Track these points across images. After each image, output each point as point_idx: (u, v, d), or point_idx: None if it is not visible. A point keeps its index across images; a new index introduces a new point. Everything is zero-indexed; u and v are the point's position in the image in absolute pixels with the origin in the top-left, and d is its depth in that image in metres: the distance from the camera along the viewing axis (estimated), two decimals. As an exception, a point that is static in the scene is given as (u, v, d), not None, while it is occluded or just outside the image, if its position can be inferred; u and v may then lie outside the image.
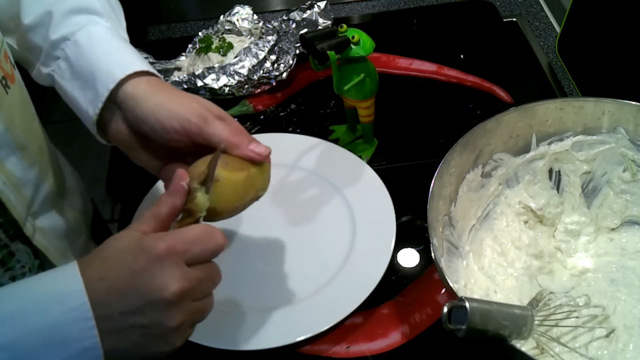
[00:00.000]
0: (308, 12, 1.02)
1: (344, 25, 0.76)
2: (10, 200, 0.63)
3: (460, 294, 0.60)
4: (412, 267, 0.78)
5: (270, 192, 0.83)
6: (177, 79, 0.97)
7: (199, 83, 0.96)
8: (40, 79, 0.70)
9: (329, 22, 1.02)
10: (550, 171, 0.77)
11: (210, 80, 0.96)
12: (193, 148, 0.62)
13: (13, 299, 0.50)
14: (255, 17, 1.06)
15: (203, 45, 1.01)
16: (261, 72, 0.97)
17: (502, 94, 0.98)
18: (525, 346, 0.63)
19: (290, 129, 0.95)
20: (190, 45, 1.05)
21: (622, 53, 0.86)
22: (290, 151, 0.88)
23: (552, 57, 1.04)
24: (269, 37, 1.00)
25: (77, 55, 0.65)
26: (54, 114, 2.06)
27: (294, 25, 1.02)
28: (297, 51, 0.99)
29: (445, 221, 0.70)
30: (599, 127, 0.74)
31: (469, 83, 1.00)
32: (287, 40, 1.00)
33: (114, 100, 0.63)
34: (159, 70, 0.94)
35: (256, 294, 0.73)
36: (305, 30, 1.01)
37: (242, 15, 1.06)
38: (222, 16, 1.06)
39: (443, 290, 0.74)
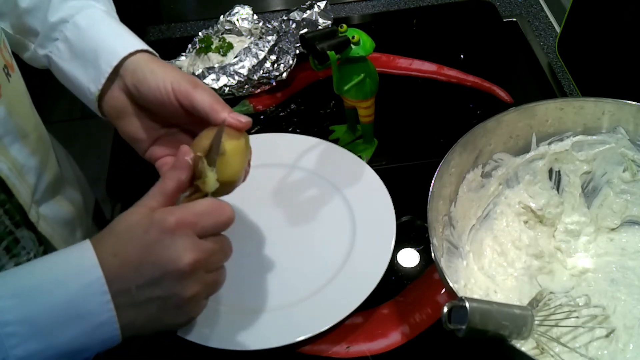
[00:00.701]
0: (308, 12, 1.02)
1: (344, 25, 0.76)
2: (16, 186, 0.65)
3: (460, 294, 0.60)
4: (412, 267, 0.78)
5: (270, 192, 0.84)
6: (177, 79, 0.97)
7: (199, 83, 0.96)
8: (35, 61, 0.73)
9: (329, 22, 1.02)
10: (550, 171, 0.77)
11: (210, 80, 0.96)
12: (179, 119, 0.65)
13: (30, 275, 0.51)
14: (255, 17, 1.06)
15: (203, 45, 1.01)
16: (261, 72, 0.97)
17: (502, 94, 0.98)
18: (525, 346, 0.63)
19: (290, 129, 0.95)
20: (190, 45, 1.05)
21: (622, 53, 0.86)
22: (290, 151, 0.88)
23: (552, 57, 1.04)
24: (269, 37, 1.00)
25: (77, 36, 0.67)
26: (54, 114, 2.06)
27: (294, 25, 1.01)
28: (297, 51, 0.99)
29: (445, 221, 0.70)
30: (599, 127, 0.74)
31: (469, 83, 1.00)
32: (287, 40, 1.00)
33: (112, 75, 0.65)
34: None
35: (256, 294, 0.73)
36: (305, 30, 1.01)
37: (242, 15, 1.06)
38: (222, 16, 1.06)
39: (443, 290, 0.74)
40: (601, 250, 0.75)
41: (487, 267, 0.72)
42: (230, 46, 1.01)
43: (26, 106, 0.70)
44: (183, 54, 1.04)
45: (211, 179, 0.56)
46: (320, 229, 0.80)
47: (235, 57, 0.98)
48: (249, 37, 1.05)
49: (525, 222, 0.76)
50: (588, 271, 0.74)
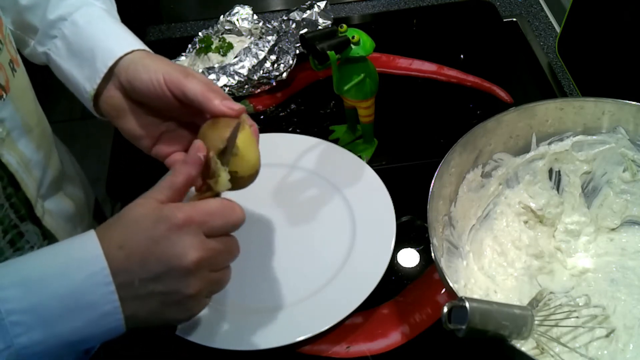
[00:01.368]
0: (308, 12, 1.02)
1: (344, 25, 0.76)
2: (24, 180, 0.66)
3: (460, 294, 0.60)
4: (412, 267, 0.78)
5: (270, 192, 0.84)
6: (177, 79, 0.97)
7: (199, 83, 0.96)
8: (34, 57, 0.73)
9: (329, 22, 1.02)
10: (550, 171, 0.77)
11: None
12: (175, 111, 0.64)
13: (35, 264, 0.51)
14: (255, 17, 1.06)
15: (203, 45, 1.01)
16: (261, 72, 0.97)
17: (502, 94, 0.98)
18: (525, 346, 0.63)
19: (290, 129, 0.95)
20: (190, 46, 1.05)
21: (622, 53, 0.86)
22: (290, 151, 0.88)
23: (552, 57, 1.04)
24: (269, 37, 1.00)
25: (75, 34, 0.67)
26: (54, 113, 2.06)
27: (294, 25, 1.02)
28: (297, 51, 0.99)
29: (445, 221, 0.70)
30: (599, 127, 0.74)
31: (469, 83, 1.00)
32: (287, 40, 1.00)
33: (108, 74, 0.65)
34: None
35: (256, 294, 0.73)
36: (305, 30, 1.01)
37: (242, 15, 1.06)
38: (222, 16, 1.06)
39: (443, 290, 0.74)
40: (601, 250, 0.75)
41: (487, 267, 0.72)
42: (230, 46, 1.01)
43: (30, 101, 0.70)
44: (183, 54, 1.04)
45: (224, 179, 0.55)
46: (320, 229, 0.80)
47: (235, 57, 0.98)
48: (249, 37, 1.05)
49: (525, 222, 0.76)
50: (588, 271, 0.74)
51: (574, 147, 0.76)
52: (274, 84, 0.99)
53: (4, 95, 0.62)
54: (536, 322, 0.60)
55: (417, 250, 0.79)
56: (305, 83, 1.02)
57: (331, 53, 0.74)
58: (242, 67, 0.97)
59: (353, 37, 0.76)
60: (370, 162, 0.87)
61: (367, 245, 0.77)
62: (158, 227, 0.51)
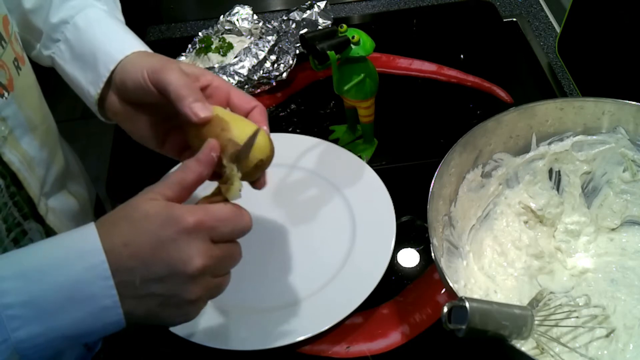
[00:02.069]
0: (308, 12, 1.02)
1: (344, 25, 0.76)
2: (27, 179, 0.66)
3: (460, 294, 0.60)
4: (412, 267, 0.78)
5: (270, 192, 0.84)
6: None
7: (199, 83, 0.96)
8: (40, 60, 0.72)
9: (329, 22, 1.02)
10: (550, 171, 0.77)
11: (210, 80, 0.96)
12: (168, 108, 0.60)
13: (33, 257, 0.50)
14: (255, 17, 1.06)
15: (203, 45, 1.01)
16: (261, 72, 0.97)
17: (502, 94, 0.98)
18: (525, 346, 0.63)
19: (290, 129, 0.95)
20: (190, 46, 1.05)
21: (622, 53, 0.86)
22: (290, 151, 0.87)
23: (552, 57, 1.04)
24: (269, 37, 1.00)
25: (77, 37, 0.67)
26: (54, 113, 2.06)
27: (294, 25, 1.02)
28: (297, 51, 0.99)
29: (445, 221, 0.70)
30: (599, 127, 0.74)
31: (469, 83, 1.00)
32: (287, 40, 1.00)
33: (111, 78, 0.64)
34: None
35: (256, 294, 0.73)
36: (305, 30, 1.01)
37: (242, 15, 1.06)
38: (222, 16, 1.06)
39: (443, 290, 0.74)
40: (601, 250, 0.75)
41: (487, 267, 0.72)
42: (230, 46, 1.01)
43: (36, 98, 0.70)
44: (183, 54, 1.04)
45: (236, 187, 0.54)
46: (320, 229, 0.80)
47: (235, 57, 0.98)
48: (249, 37, 1.05)
49: (525, 222, 0.76)
50: (588, 271, 0.74)
51: (574, 147, 0.76)
52: (274, 84, 0.99)
53: (5, 94, 0.62)
54: (536, 322, 0.60)
55: (417, 250, 0.79)
56: (305, 83, 1.02)
57: (331, 53, 0.74)
58: (242, 67, 0.97)
59: (353, 37, 0.76)
60: (370, 162, 0.87)
61: (367, 245, 0.77)
62: (166, 228, 0.50)
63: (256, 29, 1.05)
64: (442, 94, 0.99)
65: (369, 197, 0.81)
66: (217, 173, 0.56)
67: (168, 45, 1.09)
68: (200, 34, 1.05)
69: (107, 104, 0.66)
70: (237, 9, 1.06)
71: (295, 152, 0.88)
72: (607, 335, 0.66)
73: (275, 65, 0.98)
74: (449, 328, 0.54)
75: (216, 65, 0.97)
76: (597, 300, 0.69)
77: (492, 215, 0.76)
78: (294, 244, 0.79)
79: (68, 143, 0.86)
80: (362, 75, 0.79)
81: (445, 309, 0.54)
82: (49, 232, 0.71)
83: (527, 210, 0.76)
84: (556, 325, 0.65)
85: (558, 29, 1.09)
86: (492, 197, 0.76)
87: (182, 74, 0.58)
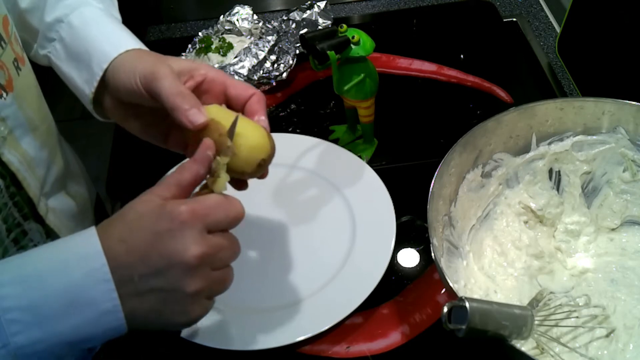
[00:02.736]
0: (308, 12, 1.02)
1: (344, 25, 0.76)
2: (26, 179, 0.66)
3: (460, 294, 0.60)
4: (412, 267, 0.78)
5: (270, 192, 0.84)
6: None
7: (199, 83, 0.96)
8: (38, 60, 0.72)
9: (329, 22, 1.02)
10: (550, 171, 0.77)
11: (210, 80, 0.96)
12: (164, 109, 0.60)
13: (34, 261, 0.50)
14: (255, 17, 1.06)
15: (203, 45, 1.01)
16: (261, 72, 0.97)
17: (502, 94, 0.98)
18: (525, 346, 0.63)
19: (290, 129, 0.95)
20: (190, 46, 1.05)
21: (622, 53, 0.86)
22: (290, 151, 0.87)
23: (552, 57, 1.04)
24: (269, 37, 1.00)
25: (72, 36, 0.67)
26: (54, 113, 2.06)
27: (294, 25, 1.02)
28: (297, 51, 0.99)
29: (445, 221, 0.70)
30: (599, 127, 0.74)
31: (469, 83, 1.00)
32: (287, 40, 1.00)
33: (106, 77, 0.64)
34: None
35: (256, 294, 0.73)
36: (305, 30, 1.01)
37: (242, 15, 1.06)
38: (222, 16, 1.06)
39: (443, 290, 0.74)
40: (601, 250, 0.75)
41: (487, 267, 0.72)
42: (230, 46, 1.01)
43: (36, 98, 0.70)
44: (183, 54, 1.04)
45: (223, 179, 0.55)
46: (320, 229, 0.80)
47: (235, 57, 0.98)
48: (249, 37, 1.05)
49: (525, 222, 0.76)
50: (588, 271, 0.74)
51: (574, 147, 0.76)
52: (274, 84, 0.99)
53: (5, 94, 0.62)
54: (536, 322, 0.60)
55: (417, 250, 0.79)
56: (305, 83, 1.02)
57: (331, 53, 0.74)
58: (242, 67, 0.97)
59: (353, 37, 0.76)
60: (370, 162, 0.87)
61: (367, 245, 0.77)
62: (160, 222, 0.50)
63: (256, 29, 1.05)
64: (442, 94, 0.99)
65: (369, 197, 0.81)
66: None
67: (168, 45, 1.09)
68: (200, 34, 1.05)
69: (104, 103, 0.66)
70: (237, 9, 1.06)
71: (295, 152, 0.88)
72: (607, 335, 0.66)
73: (275, 65, 0.98)
74: (449, 328, 0.54)
75: (216, 66, 0.97)
76: (597, 300, 0.69)
77: (492, 215, 0.76)
78: (294, 244, 0.79)
79: (68, 143, 0.86)
80: (362, 75, 0.79)
81: (445, 309, 0.54)
82: (49, 233, 0.71)
83: (527, 210, 0.76)
84: (556, 325, 0.65)
85: (558, 29, 1.09)
86: (492, 197, 0.76)
87: (174, 79, 0.58)
